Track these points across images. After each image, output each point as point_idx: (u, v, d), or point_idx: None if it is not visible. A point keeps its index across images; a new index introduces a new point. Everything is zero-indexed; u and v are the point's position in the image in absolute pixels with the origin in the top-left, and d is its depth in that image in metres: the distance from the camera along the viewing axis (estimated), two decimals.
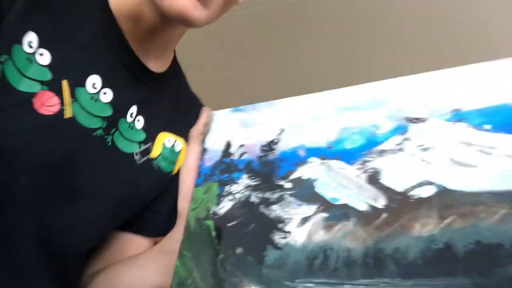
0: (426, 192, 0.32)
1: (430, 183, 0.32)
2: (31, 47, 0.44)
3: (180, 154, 0.56)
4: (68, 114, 0.46)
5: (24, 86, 0.43)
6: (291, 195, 0.37)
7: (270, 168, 0.39)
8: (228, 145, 0.43)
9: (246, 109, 0.45)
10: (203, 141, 0.45)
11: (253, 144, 0.42)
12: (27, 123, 0.44)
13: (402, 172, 0.34)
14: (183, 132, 0.55)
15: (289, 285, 0.32)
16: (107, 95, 0.50)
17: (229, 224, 0.37)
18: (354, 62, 1.04)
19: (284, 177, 0.38)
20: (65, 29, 0.47)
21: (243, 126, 0.44)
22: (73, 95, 0.46)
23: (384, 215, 0.32)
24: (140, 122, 0.53)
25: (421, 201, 0.32)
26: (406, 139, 0.36)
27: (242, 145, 0.43)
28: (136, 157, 0.52)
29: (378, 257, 0.30)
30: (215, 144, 0.44)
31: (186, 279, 0.35)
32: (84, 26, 0.48)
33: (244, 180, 0.40)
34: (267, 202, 0.37)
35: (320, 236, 0.33)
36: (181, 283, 0.35)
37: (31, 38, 0.44)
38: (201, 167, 0.43)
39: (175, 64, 0.60)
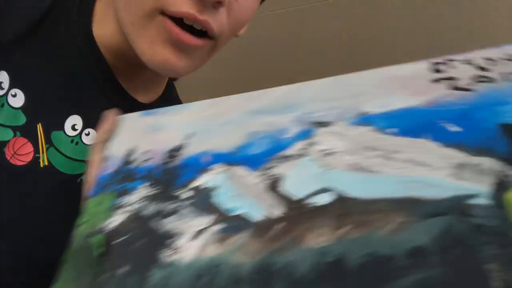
0: (324, 199, 0.29)
1: (328, 190, 0.30)
2: (2, 88, 0.40)
3: None
4: (44, 161, 0.42)
5: None
6: (187, 206, 0.33)
7: (170, 176, 0.36)
8: (130, 152, 0.40)
9: (157, 112, 0.42)
10: (105, 147, 0.41)
11: (159, 150, 0.39)
12: None
13: (302, 178, 0.31)
14: None
15: None
16: (90, 137, 0.45)
17: (114, 242, 0.33)
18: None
19: (183, 186, 0.35)
20: (42, 63, 0.43)
21: (151, 130, 0.41)
22: (48, 139, 0.42)
23: (278, 226, 0.29)
24: None
25: (318, 210, 0.29)
26: (310, 144, 0.33)
27: (147, 151, 0.39)
28: None
29: (267, 272, 0.27)
30: (118, 151, 0.40)
31: None
32: (65, 59, 0.44)
33: (141, 191, 0.36)
34: (160, 215, 0.33)
35: (212, 250, 0.30)
36: None
37: (1, 79, 0.40)
38: (99, 175, 0.39)
39: (169, 89, 0.56)
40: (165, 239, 0.31)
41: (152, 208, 0.34)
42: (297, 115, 0.35)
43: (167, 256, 0.30)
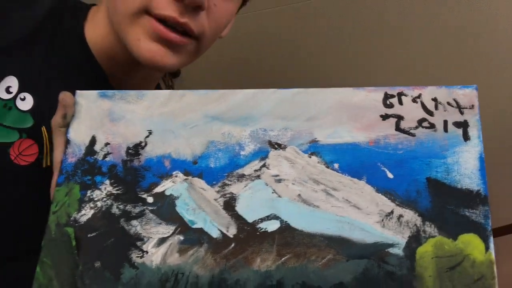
0: (272, 226, 0.35)
1: (276, 218, 0.35)
2: (10, 92, 0.42)
3: None
4: (47, 162, 0.44)
5: (0, 136, 0.42)
6: (152, 211, 0.37)
7: (134, 177, 0.39)
8: (93, 141, 0.41)
9: (114, 96, 0.42)
10: (67, 131, 0.42)
11: (119, 144, 0.40)
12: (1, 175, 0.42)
13: (255, 202, 0.36)
14: None
15: None
16: None
17: (89, 235, 0.37)
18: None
19: (147, 190, 0.38)
20: (45, 70, 0.45)
21: (111, 119, 0.41)
22: (52, 141, 0.43)
23: (232, 245, 0.35)
24: None
25: (266, 235, 0.35)
26: (265, 165, 0.37)
27: (107, 144, 0.40)
28: None
29: (221, 287, 0.34)
30: (79, 136, 0.41)
31: (46, 287, 0.36)
32: (63, 64, 0.47)
33: (107, 187, 0.39)
34: (128, 216, 0.38)
35: (174, 259, 0.35)
36: None
37: (10, 83, 0.42)
38: (63, 162, 0.41)
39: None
40: (134, 240, 0.36)
41: (118, 208, 0.38)
42: (254, 130, 0.38)
43: (137, 257, 0.36)
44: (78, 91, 0.43)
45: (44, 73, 0.46)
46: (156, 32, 0.43)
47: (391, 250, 0.32)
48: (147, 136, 0.40)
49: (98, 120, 0.41)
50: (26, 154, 0.44)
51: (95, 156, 0.40)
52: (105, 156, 0.40)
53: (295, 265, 0.34)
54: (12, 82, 0.43)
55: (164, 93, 0.41)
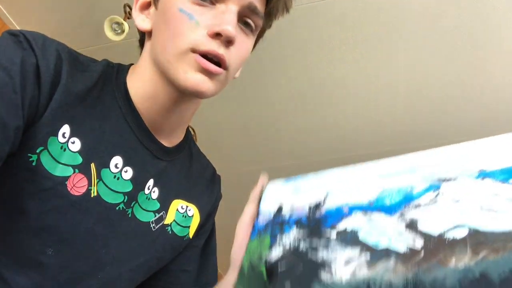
0: (460, 234, 0.36)
1: (463, 226, 0.36)
2: (64, 137, 0.52)
3: (193, 219, 0.65)
4: (94, 193, 0.54)
5: (59, 171, 0.51)
6: (336, 242, 0.41)
7: (317, 222, 0.44)
8: (280, 208, 0.49)
9: (296, 179, 0.52)
10: (258, 205, 0.51)
11: (302, 206, 0.48)
12: (60, 203, 0.51)
13: (437, 219, 0.38)
14: (195, 198, 0.64)
15: None
16: (128, 173, 0.57)
17: (280, 270, 0.41)
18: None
19: (331, 228, 0.43)
20: (94, 118, 0.55)
21: (293, 193, 0.50)
22: (98, 175, 0.54)
23: (422, 254, 0.36)
24: (155, 193, 0.60)
25: (456, 242, 0.35)
26: (439, 194, 0.40)
27: (293, 207, 0.48)
28: (152, 225, 0.60)
29: (418, 287, 0.33)
30: (268, 207, 0.50)
31: None
32: (110, 114, 0.57)
33: (294, 233, 0.44)
34: (314, 248, 0.41)
35: (363, 273, 0.36)
36: None
37: (65, 130, 0.52)
38: (255, 224, 0.48)
39: (187, 135, 0.68)
40: (322, 265, 0.39)
41: (305, 244, 0.42)
42: (423, 175, 0.43)
43: (326, 277, 0.37)
44: (269, 182, 0.54)
45: (92, 122, 0.55)
46: (200, 65, 0.52)
47: None
48: (325, 197, 0.47)
49: (283, 195, 0.51)
50: (78, 186, 0.52)
51: (282, 217, 0.47)
52: (290, 216, 0.47)
53: (497, 257, 0.32)
54: (66, 129, 0.52)
55: (337, 170, 0.51)
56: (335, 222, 0.43)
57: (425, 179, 0.43)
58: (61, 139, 0.51)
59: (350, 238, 0.40)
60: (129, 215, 0.57)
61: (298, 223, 0.46)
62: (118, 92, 0.58)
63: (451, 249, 0.35)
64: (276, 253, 0.43)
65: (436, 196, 0.41)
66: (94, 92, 0.56)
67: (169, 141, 0.63)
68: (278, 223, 0.47)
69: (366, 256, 0.38)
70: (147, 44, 0.60)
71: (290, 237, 0.44)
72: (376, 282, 0.35)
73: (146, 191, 0.59)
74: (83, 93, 0.54)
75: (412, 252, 0.36)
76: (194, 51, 0.53)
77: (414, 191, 0.42)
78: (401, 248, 0.37)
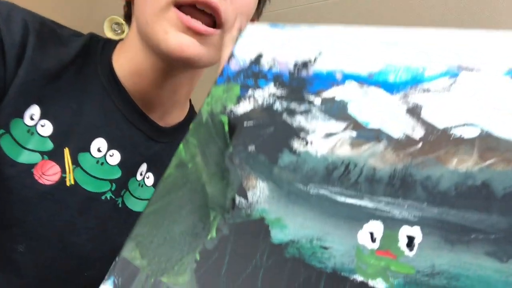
0: (469, 133, 0.30)
1: (474, 125, 0.30)
2: (32, 119, 0.45)
3: None
4: (70, 181, 0.46)
5: (24, 158, 0.44)
6: (319, 109, 0.34)
7: (300, 83, 0.36)
8: (260, 56, 0.40)
9: (285, 27, 0.43)
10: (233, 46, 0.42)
11: (286, 60, 0.39)
12: (27, 194, 0.44)
13: (445, 111, 0.31)
14: None
15: (301, 188, 0.29)
16: (114, 157, 0.49)
17: (245, 124, 0.34)
18: None
19: (315, 94, 0.35)
20: (70, 98, 0.48)
21: (279, 42, 0.41)
22: (75, 161, 0.46)
23: (419, 145, 0.30)
24: (150, 179, 0.52)
25: (462, 140, 0.29)
26: (455, 82, 0.33)
27: (273, 59, 0.39)
28: None
29: (406, 181, 0.28)
30: (244, 53, 0.41)
31: (187, 162, 0.32)
32: (91, 92, 0.49)
33: (270, 88, 0.37)
34: (292, 112, 0.34)
35: (344, 150, 0.30)
36: (182, 164, 0.32)
37: (33, 111, 0.44)
38: (225, 69, 0.40)
39: (190, 114, 0.59)
40: (297, 131, 0.32)
41: (281, 105, 0.35)
42: (440, 56, 0.36)
43: (299, 145, 0.31)
44: (249, 24, 0.44)
45: (66, 103, 0.48)
46: (182, 23, 0.44)
47: None
48: (317, 55, 0.39)
49: (265, 42, 0.41)
50: (48, 174, 0.46)
51: (260, 67, 0.39)
52: (270, 68, 0.39)
53: (506, 168, 0.27)
54: (35, 110, 0.45)
55: (336, 27, 0.41)
56: (323, 87, 0.36)
57: (442, 62, 0.35)
58: (28, 121, 0.44)
59: (336, 109, 0.33)
60: (119, 205, 0.50)
61: (278, 79, 0.38)
62: (102, 68, 0.51)
63: (455, 148, 0.29)
64: (244, 107, 0.35)
65: (452, 84, 0.33)
66: (72, 68, 0.49)
67: (165, 121, 0.54)
68: (253, 74, 0.39)
69: (351, 132, 0.31)
70: (133, 17, 0.53)
71: (265, 93, 0.36)
72: (358, 165, 0.29)
73: (139, 177, 0.51)
74: (56, 69, 0.47)
75: (408, 140, 0.30)
76: (176, 3, 0.43)
77: (426, 73, 0.35)
78: (396, 133, 0.31)
